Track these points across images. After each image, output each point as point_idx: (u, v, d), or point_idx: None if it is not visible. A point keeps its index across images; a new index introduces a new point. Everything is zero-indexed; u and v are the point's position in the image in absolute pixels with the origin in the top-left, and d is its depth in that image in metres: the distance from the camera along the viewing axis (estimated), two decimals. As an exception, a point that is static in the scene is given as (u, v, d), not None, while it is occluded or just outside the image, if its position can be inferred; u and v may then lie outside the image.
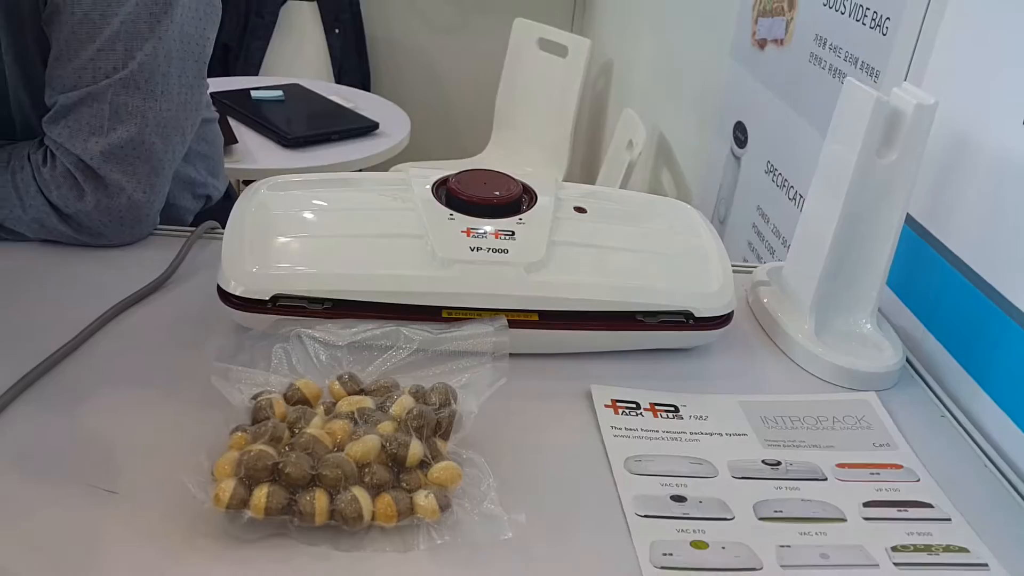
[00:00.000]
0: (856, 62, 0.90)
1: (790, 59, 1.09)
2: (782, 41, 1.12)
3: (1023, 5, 0.61)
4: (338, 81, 2.77)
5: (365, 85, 2.86)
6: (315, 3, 2.83)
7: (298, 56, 2.85)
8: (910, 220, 0.70)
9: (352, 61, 2.87)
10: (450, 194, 0.64)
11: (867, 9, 0.88)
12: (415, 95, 2.87)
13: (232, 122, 1.91)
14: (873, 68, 0.86)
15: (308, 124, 1.99)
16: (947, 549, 0.47)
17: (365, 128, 1.98)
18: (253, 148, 1.84)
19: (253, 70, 2.78)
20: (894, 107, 0.59)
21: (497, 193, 0.64)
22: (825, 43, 0.99)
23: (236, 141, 1.83)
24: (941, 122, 0.62)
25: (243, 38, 2.81)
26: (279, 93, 2.11)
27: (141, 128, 0.71)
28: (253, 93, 2.09)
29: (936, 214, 0.67)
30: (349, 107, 2.09)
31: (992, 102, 0.62)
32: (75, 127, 0.70)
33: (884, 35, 0.84)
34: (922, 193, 0.68)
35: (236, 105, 1.99)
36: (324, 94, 2.17)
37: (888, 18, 0.83)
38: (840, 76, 0.94)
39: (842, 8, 0.94)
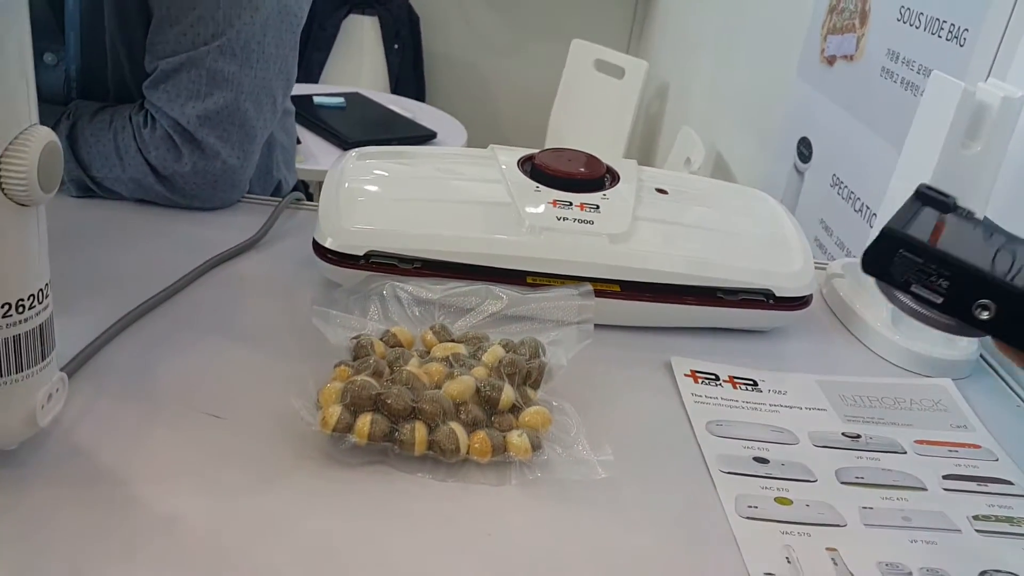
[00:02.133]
0: (930, 74, 0.91)
1: (861, 74, 1.10)
2: (852, 57, 1.13)
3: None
4: (395, 94, 2.83)
5: (420, 99, 2.92)
6: (376, 18, 2.90)
7: (357, 68, 2.91)
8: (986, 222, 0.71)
9: (409, 76, 2.93)
10: (536, 169, 0.66)
11: (944, 22, 0.89)
12: (470, 112, 2.91)
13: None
14: (949, 78, 0.87)
15: (367, 130, 2.04)
16: (1030, 523, 0.47)
17: (423, 137, 2.02)
18: (315, 151, 1.88)
19: (313, 80, 2.85)
20: (980, 100, 0.60)
21: (582, 169, 0.66)
22: (898, 57, 1.00)
23: (300, 142, 1.88)
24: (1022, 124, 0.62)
25: (304, 49, 2.88)
26: (341, 100, 2.17)
27: (236, 95, 0.74)
28: (315, 99, 2.15)
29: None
30: (408, 116, 2.14)
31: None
32: (174, 92, 0.73)
33: (961, 46, 0.85)
34: (1000, 195, 0.69)
35: (299, 109, 2.03)
36: (383, 103, 2.22)
37: (967, 29, 0.84)
38: (913, 89, 0.95)
39: (917, 22, 0.96)
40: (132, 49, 0.76)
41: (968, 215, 0.45)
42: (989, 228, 0.44)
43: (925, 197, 0.44)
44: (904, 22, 1.00)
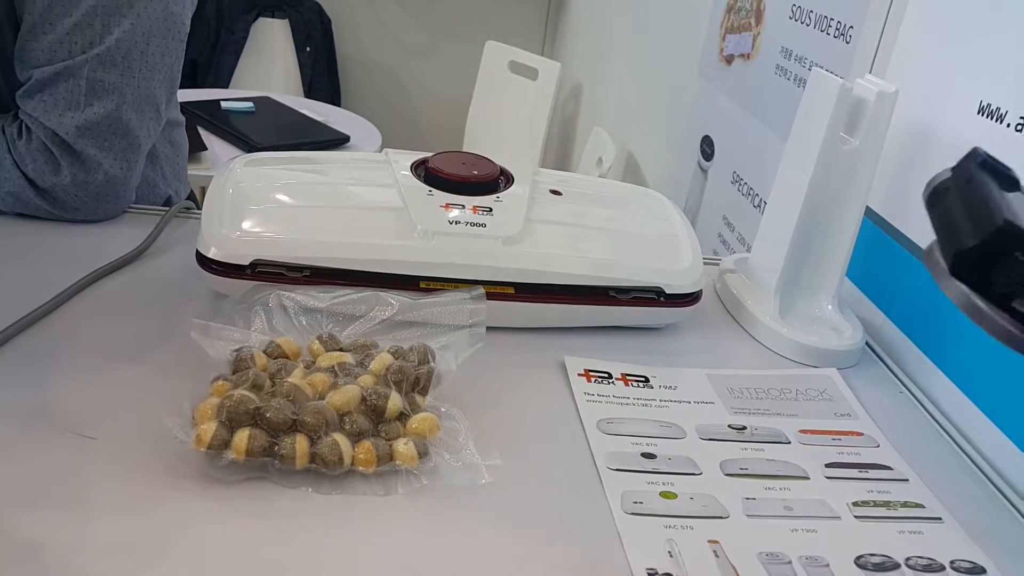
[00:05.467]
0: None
1: (756, 72, 1.13)
2: (749, 55, 1.16)
3: (976, 9, 0.65)
4: (308, 98, 2.78)
5: (335, 103, 2.88)
6: (286, 21, 2.85)
7: (268, 72, 2.86)
8: (870, 212, 0.73)
9: (322, 79, 2.89)
10: (429, 173, 0.66)
11: (831, 19, 0.92)
12: (385, 115, 2.88)
13: (202, 131, 1.91)
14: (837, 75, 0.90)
15: (278, 135, 2.00)
16: (904, 505, 0.49)
17: (336, 141, 1.99)
18: (223, 156, 1.84)
19: (222, 85, 2.78)
20: (857, 95, 0.62)
21: (475, 172, 0.66)
22: (790, 54, 1.02)
23: (205, 148, 1.83)
24: (900, 118, 0.65)
25: (213, 53, 2.81)
26: (249, 104, 2.12)
27: (119, 105, 0.72)
28: (223, 103, 2.09)
29: (895, 205, 0.70)
30: (320, 120, 2.11)
31: (948, 97, 0.66)
32: (50, 102, 0.70)
33: (847, 43, 0.88)
34: (882, 186, 0.71)
35: (205, 114, 1.99)
36: (295, 107, 2.18)
37: (851, 26, 0.87)
38: (804, 85, 0.98)
39: (807, 20, 0.98)
40: (3, 57, 0.73)
41: None
42: None
43: (988, 166, 0.35)
44: (796, 20, 1.03)
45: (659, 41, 1.73)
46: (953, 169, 0.34)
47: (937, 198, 0.33)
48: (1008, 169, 0.34)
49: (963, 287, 0.31)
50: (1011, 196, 0.33)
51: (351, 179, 0.68)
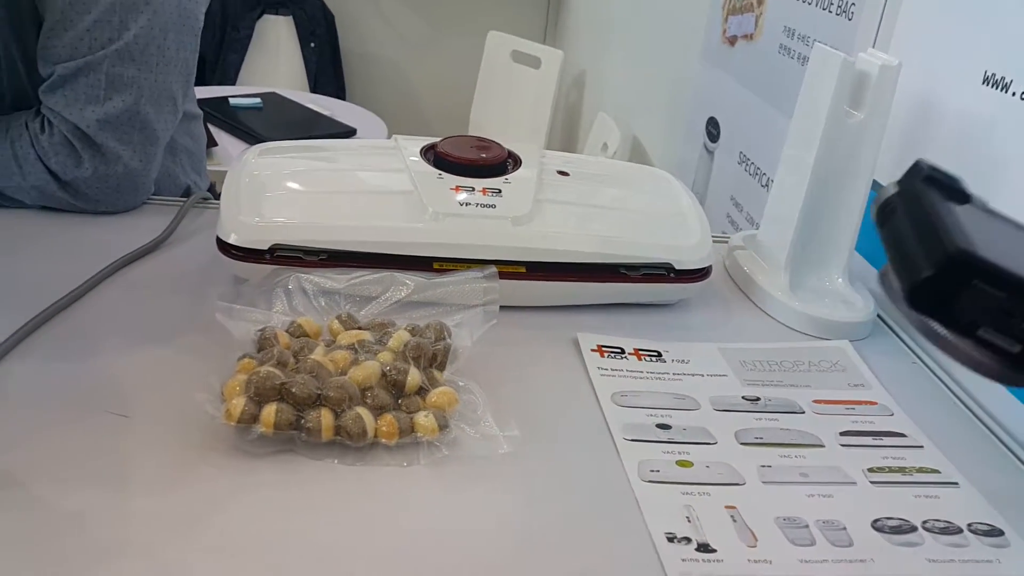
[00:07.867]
0: (823, 49, 0.94)
1: (760, 52, 1.13)
2: (751, 36, 1.16)
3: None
4: (314, 92, 2.79)
5: (340, 97, 2.89)
6: (290, 17, 2.86)
7: (273, 69, 2.87)
8: (877, 186, 0.74)
9: (327, 74, 2.90)
10: (438, 157, 0.67)
11: (833, -3, 0.93)
12: (390, 107, 2.89)
13: (212, 127, 1.92)
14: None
15: (286, 130, 2.01)
16: (920, 470, 0.50)
17: (342, 134, 2.00)
18: (233, 152, 1.85)
19: (229, 82, 2.79)
20: (860, 69, 0.62)
21: (484, 155, 0.67)
22: (793, 33, 1.03)
23: (216, 144, 1.84)
24: (905, 90, 0.65)
25: (219, 51, 2.82)
26: (257, 100, 2.13)
27: (137, 98, 0.73)
28: (231, 100, 2.11)
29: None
30: (326, 114, 2.12)
31: (952, 69, 0.67)
32: (72, 96, 0.71)
33: (850, 20, 0.88)
34: (889, 159, 0.72)
35: (215, 111, 2.00)
36: (301, 102, 2.19)
37: (853, 3, 0.88)
38: (807, 63, 0.98)
39: (809, -1, 0.99)
40: (27, 54, 0.74)
41: (984, 207, 0.34)
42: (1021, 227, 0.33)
43: (933, 180, 0.33)
44: None
45: (661, 24, 1.73)
46: (899, 183, 0.32)
47: (885, 218, 0.32)
48: (955, 181, 0.32)
49: (923, 318, 0.29)
50: (961, 210, 0.31)
51: (362, 165, 0.69)
